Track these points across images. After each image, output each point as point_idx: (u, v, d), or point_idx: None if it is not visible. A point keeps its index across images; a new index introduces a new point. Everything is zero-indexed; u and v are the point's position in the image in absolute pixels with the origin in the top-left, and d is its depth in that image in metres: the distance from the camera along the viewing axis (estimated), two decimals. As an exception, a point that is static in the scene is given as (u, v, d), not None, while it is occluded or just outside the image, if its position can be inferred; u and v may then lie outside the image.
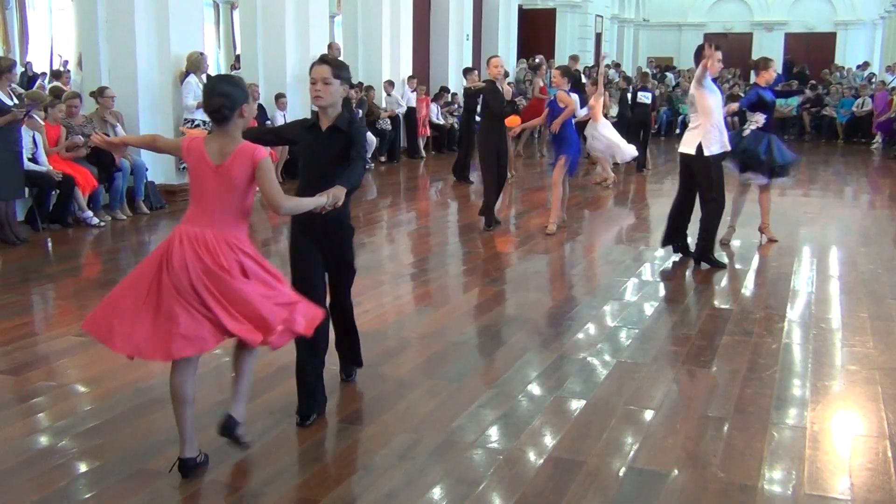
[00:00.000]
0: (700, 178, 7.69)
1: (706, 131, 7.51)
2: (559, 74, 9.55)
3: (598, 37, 28.51)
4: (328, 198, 3.86)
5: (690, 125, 7.76)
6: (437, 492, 3.68)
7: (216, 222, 3.73)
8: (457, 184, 13.54)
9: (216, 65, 19.09)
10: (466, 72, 14.63)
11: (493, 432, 4.28)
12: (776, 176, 8.72)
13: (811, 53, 30.23)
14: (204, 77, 11.32)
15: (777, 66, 8.98)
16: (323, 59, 4.48)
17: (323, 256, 4.45)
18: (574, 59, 19.16)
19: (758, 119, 8.51)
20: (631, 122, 15.16)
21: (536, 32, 24.62)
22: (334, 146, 4.26)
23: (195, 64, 10.99)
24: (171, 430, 4.21)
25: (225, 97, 3.67)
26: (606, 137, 12.51)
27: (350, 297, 4.74)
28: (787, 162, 8.70)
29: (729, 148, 7.82)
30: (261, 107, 13.05)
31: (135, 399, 4.63)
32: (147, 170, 10.54)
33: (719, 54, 7.42)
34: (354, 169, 4.16)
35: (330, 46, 14.42)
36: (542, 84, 13.41)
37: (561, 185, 9.42)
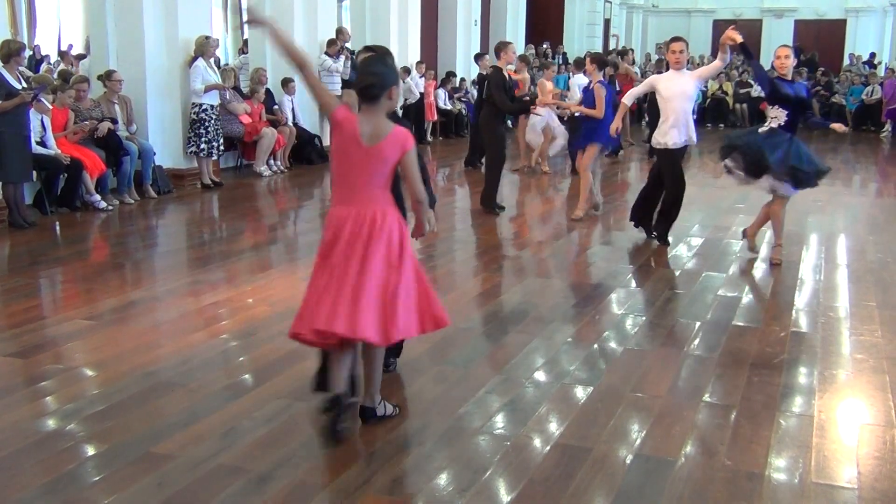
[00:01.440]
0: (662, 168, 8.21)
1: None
2: (591, 63, 9.59)
3: (607, 23, 28.40)
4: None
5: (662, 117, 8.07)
6: (443, 477, 3.69)
7: (366, 199, 3.82)
8: (467, 171, 13.52)
9: (224, 49, 19.04)
10: (477, 57, 14.51)
11: (500, 418, 4.29)
12: (801, 185, 7.30)
13: (821, 41, 30.06)
14: (212, 61, 11.32)
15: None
16: (368, 48, 4.66)
17: None
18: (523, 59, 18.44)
19: (777, 115, 7.23)
20: (648, 110, 15.11)
21: (545, 18, 24.56)
22: None
23: (203, 48, 10.98)
24: (179, 414, 4.24)
25: (376, 76, 3.77)
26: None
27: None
28: (814, 169, 7.30)
29: (694, 141, 8.11)
30: (268, 91, 13.03)
31: (143, 383, 4.64)
32: (155, 154, 10.55)
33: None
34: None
35: (339, 31, 14.38)
36: (550, 87, 12.84)
37: (589, 172, 9.35)
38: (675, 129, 7.88)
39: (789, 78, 7.48)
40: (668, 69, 8.26)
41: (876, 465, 3.87)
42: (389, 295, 3.79)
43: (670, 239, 8.24)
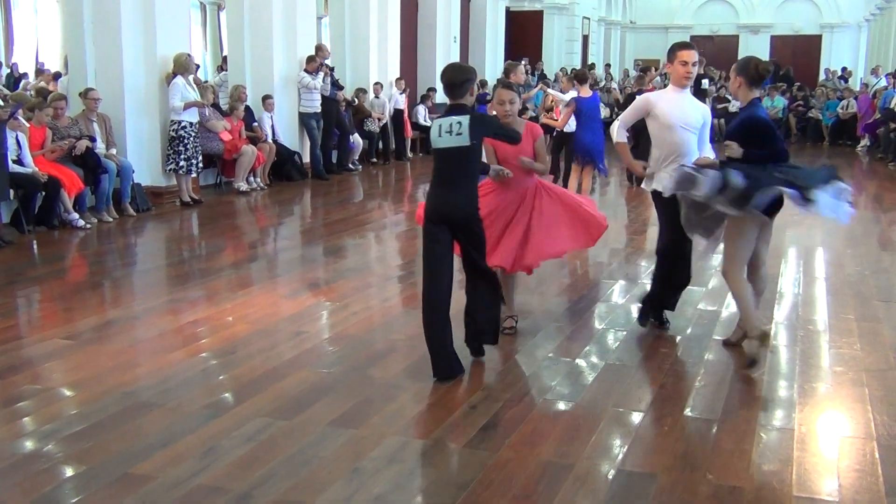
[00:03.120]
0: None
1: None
2: (566, 79, 9.56)
3: (586, 39, 28.58)
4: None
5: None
6: (426, 495, 3.67)
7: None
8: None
9: (203, 66, 19.00)
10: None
11: (482, 435, 4.28)
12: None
13: (797, 56, 30.43)
14: (191, 78, 11.29)
15: None
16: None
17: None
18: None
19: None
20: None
21: (524, 34, 24.68)
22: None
23: (182, 66, 10.95)
24: (158, 434, 4.20)
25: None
26: None
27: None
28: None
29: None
30: (248, 108, 13.01)
31: (122, 402, 4.60)
32: (133, 172, 10.51)
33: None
34: None
35: (318, 48, 14.40)
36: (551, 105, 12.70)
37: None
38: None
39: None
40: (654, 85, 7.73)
41: (857, 477, 3.88)
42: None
43: (667, 316, 6.15)
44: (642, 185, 6.09)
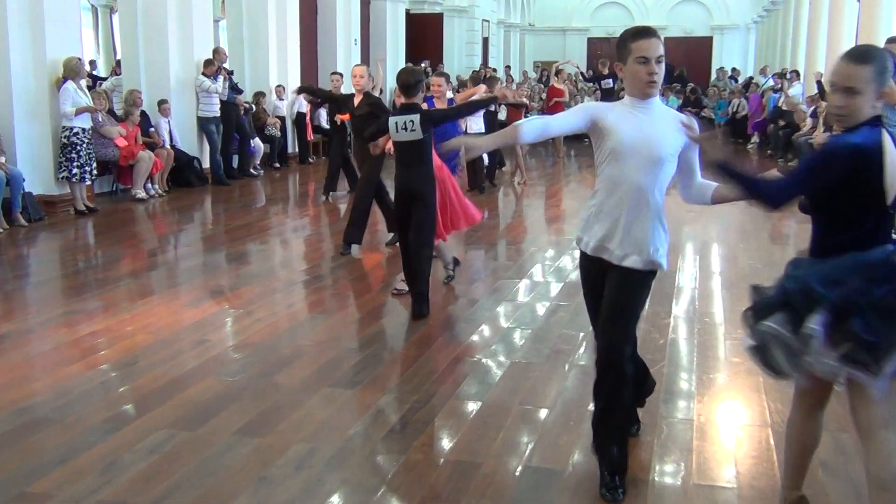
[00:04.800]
0: None
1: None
2: (443, 82, 8.37)
3: (486, 41, 28.85)
4: None
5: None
6: (335, 500, 3.65)
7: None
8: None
9: (96, 70, 18.46)
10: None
11: (391, 437, 4.28)
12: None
13: (690, 57, 31.36)
14: (82, 83, 10.96)
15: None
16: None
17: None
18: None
19: None
20: None
21: (424, 37, 24.75)
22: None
23: (73, 70, 10.62)
24: (56, 450, 4.07)
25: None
26: None
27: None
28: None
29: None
30: (144, 113, 12.70)
31: (16, 419, 4.44)
32: (24, 180, 10.13)
33: None
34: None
35: (216, 51, 14.15)
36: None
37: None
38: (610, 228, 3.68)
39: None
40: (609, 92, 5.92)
41: (753, 464, 4.02)
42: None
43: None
44: (580, 245, 3.81)
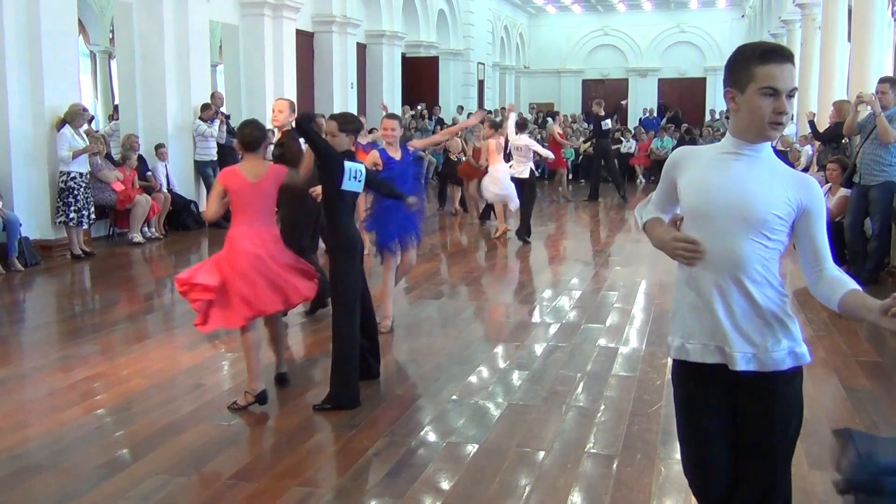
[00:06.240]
0: None
1: None
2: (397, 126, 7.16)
3: (481, 84, 29.08)
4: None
5: None
6: (331, 546, 3.61)
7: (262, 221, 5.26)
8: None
9: (99, 118, 18.57)
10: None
11: (388, 481, 4.24)
12: None
13: (683, 97, 31.68)
14: (82, 130, 11.04)
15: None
16: (332, 117, 5.65)
17: None
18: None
19: None
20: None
21: (420, 80, 24.94)
22: None
23: (74, 116, 10.70)
24: (50, 497, 4.04)
25: (257, 132, 5.36)
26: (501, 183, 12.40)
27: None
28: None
29: None
30: (141, 157, 12.76)
31: (10, 466, 4.40)
32: (21, 225, 10.14)
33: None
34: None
35: (213, 96, 14.26)
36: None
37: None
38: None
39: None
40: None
41: (753, 505, 3.98)
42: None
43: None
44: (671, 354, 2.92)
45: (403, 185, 6.64)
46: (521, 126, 12.76)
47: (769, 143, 2.71)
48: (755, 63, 2.59)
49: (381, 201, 6.87)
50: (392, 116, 7.40)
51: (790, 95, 2.60)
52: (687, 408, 2.82)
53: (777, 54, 2.60)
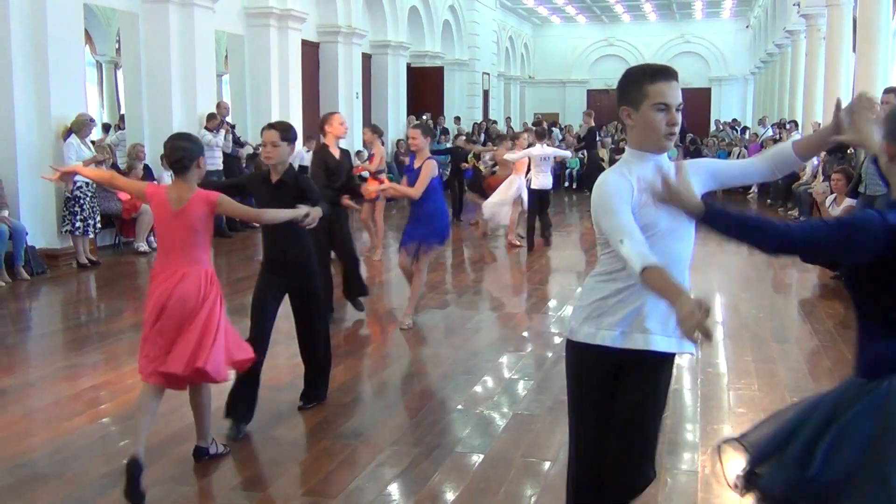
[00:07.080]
0: None
1: None
2: (420, 134, 7.46)
3: (486, 94, 29.12)
4: (307, 212, 4.56)
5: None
6: (336, 556, 3.60)
7: (184, 259, 4.29)
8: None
9: (99, 125, 18.62)
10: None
11: (393, 491, 4.23)
12: None
13: (688, 108, 31.39)
14: (88, 140, 11.07)
15: None
16: (271, 125, 5.13)
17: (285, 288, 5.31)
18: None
19: None
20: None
21: (425, 90, 24.97)
22: (284, 196, 4.99)
23: (80, 126, 10.74)
24: (54, 506, 4.02)
25: (184, 150, 4.28)
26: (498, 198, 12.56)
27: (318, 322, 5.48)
28: None
29: None
30: (147, 167, 12.79)
31: (15, 475, 4.40)
32: (27, 234, 10.17)
33: None
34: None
35: (218, 106, 14.29)
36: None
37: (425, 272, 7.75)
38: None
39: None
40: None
41: (759, 516, 3.96)
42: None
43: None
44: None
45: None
46: (542, 135, 12.84)
47: (664, 153, 3.06)
48: (646, 82, 2.91)
49: (419, 207, 7.38)
50: (415, 126, 7.87)
51: (678, 109, 2.93)
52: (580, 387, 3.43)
53: (665, 73, 2.94)
